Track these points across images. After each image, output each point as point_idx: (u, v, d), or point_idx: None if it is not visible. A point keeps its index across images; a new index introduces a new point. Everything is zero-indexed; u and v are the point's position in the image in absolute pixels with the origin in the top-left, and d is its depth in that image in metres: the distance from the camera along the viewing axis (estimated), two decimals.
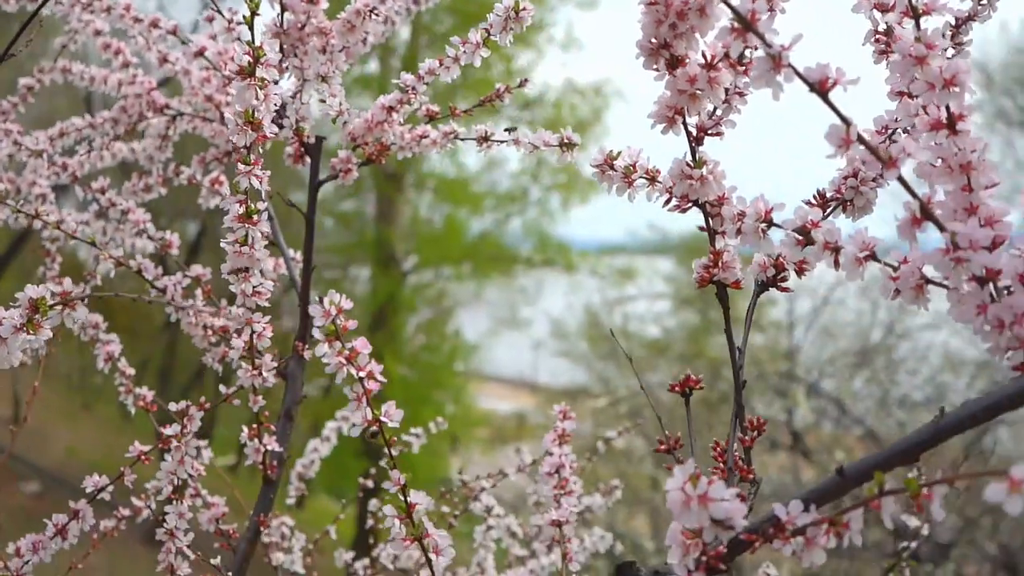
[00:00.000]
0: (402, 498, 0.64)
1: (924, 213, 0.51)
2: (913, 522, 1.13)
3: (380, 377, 0.63)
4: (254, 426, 0.95)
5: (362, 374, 0.62)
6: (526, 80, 0.99)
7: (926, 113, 0.56)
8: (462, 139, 0.97)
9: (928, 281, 0.54)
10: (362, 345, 0.62)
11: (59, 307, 0.66)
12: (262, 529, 0.98)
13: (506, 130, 0.96)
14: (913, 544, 1.09)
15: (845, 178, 0.68)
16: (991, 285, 0.52)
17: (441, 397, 10.93)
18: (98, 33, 1.19)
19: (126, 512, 1.14)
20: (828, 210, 0.68)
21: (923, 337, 7.45)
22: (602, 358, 9.48)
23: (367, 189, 11.70)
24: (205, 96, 1.13)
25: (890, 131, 0.68)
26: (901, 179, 0.51)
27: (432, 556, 0.64)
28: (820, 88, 0.50)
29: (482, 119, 1.01)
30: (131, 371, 1.09)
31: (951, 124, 0.53)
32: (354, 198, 11.82)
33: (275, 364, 0.90)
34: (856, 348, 7.14)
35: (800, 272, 0.67)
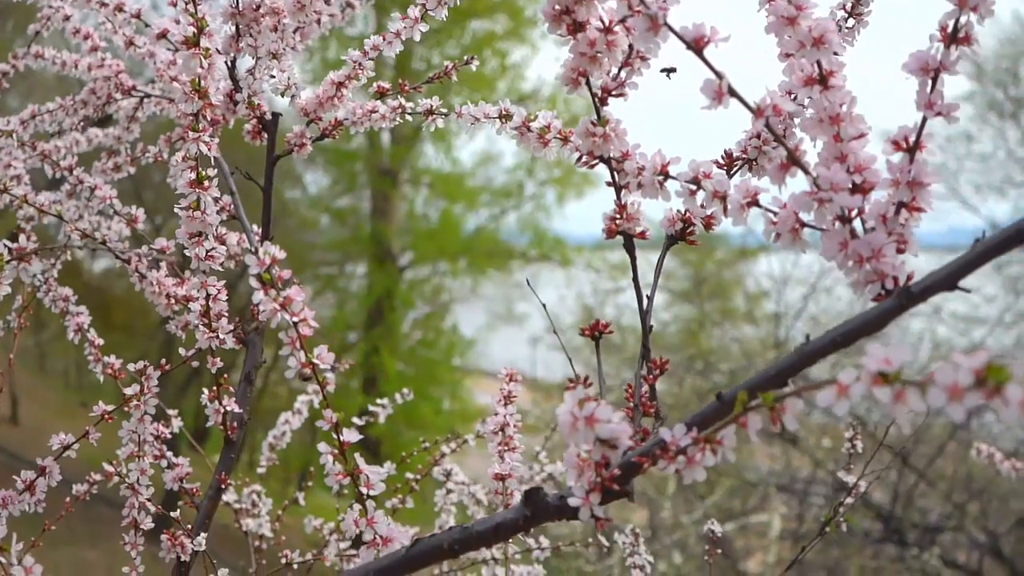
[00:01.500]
0: (335, 436, 0.69)
1: (791, 159, 0.56)
2: (849, 479, 1.17)
3: (313, 323, 0.67)
4: (214, 388, 1.00)
5: (296, 319, 0.66)
6: (473, 58, 1.04)
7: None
8: (410, 113, 1.02)
9: (804, 224, 0.59)
10: (295, 292, 0.67)
11: (14, 262, 0.70)
12: (223, 487, 1.03)
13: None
14: (849, 500, 1.14)
15: (750, 138, 0.73)
16: (857, 223, 0.57)
17: (438, 393, 10.98)
18: (67, 18, 1.23)
19: (97, 477, 1.18)
20: (734, 168, 0.73)
21: (913, 325, 7.52)
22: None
23: (362, 186, 11.76)
24: (170, 77, 1.17)
25: (792, 95, 0.73)
26: (768, 127, 0.56)
27: (364, 490, 0.69)
28: (696, 46, 0.55)
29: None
30: (100, 341, 1.14)
31: (822, 80, 0.58)
32: (350, 195, 11.88)
33: (232, 327, 0.95)
34: None
35: (708, 227, 0.72)
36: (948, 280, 0.51)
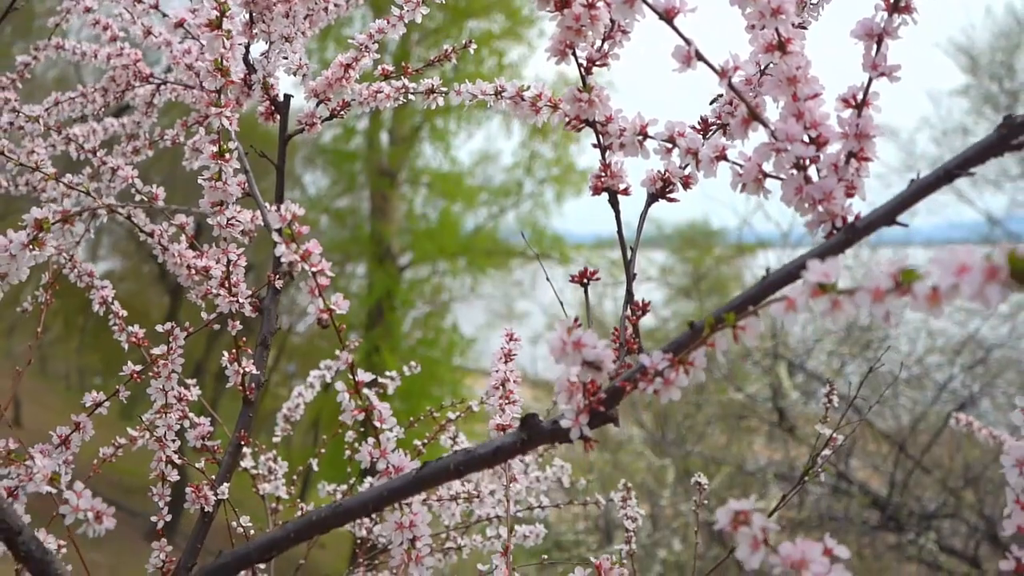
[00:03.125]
0: (351, 376, 0.77)
1: (752, 115, 0.64)
2: (825, 431, 1.25)
3: (329, 272, 0.75)
4: (234, 351, 1.07)
5: (315, 269, 0.74)
6: (471, 42, 1.12)
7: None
8: (413, 93, 1.09)
9: (766, 174, 0.66)
10: (314, 246, 0.75)
11: (59, 224, 0.78)
12: (242, 444, 1.10)
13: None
14: (827, 452, 1.21)
15: (723, 105, 0.80)
16: (812, 172, 0.64)
17: (439, 392, 11.05)
18: (88, 11, 1.31)
19: (122, 440, 1.26)
20: (709, 132, 0.80)
21: (912, 319, 7.62)
22: None
23: (361, 186, 11.85)
24: (186, 65, 1.25)
25: (758, 62, 0.80)
26: (731, 86, 0.64)
27: (377, 424, 0.77)
28: (667, 15, 0.63)
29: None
30: (124, 313, 1.21)
31: (781, 46, 0.66)
32: (349, 195, 11.96)
33: (250, 293, 1.03)
34: (842, 328, 7.29)
35: (686, 186, 0.79)
36: (888, 216, 0.59)
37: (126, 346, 1.20)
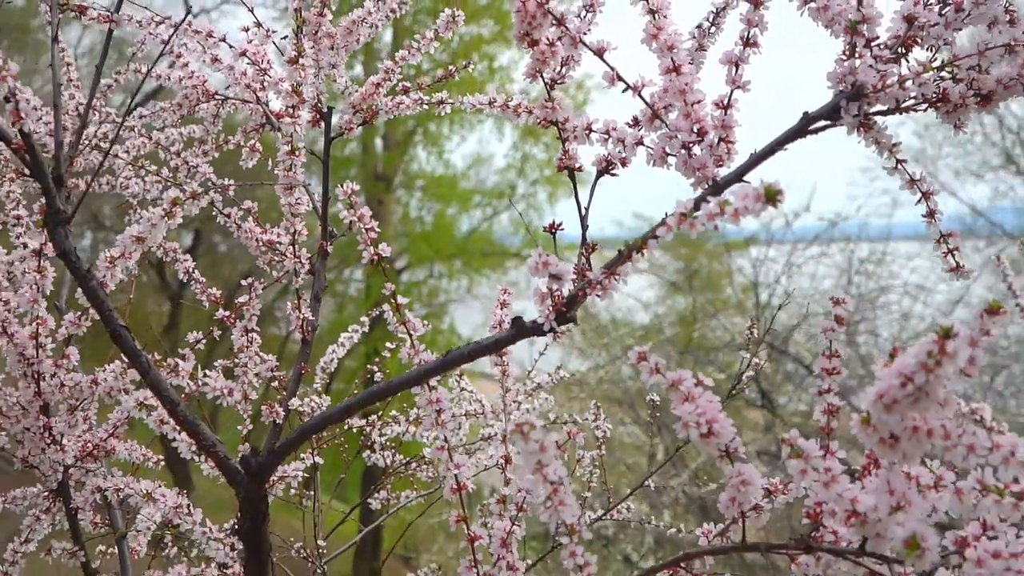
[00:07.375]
0: (394, 300, 1.11)
1: (654, 115, 0.99)
2: (753, 361, 1.58)
3: (376, 228, 1.09)
4: (295, 301, 1.42)
5: (367, 226, 1.09)
6: (470, 62, 1.47)
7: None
8: (427, 104, 1.44)
9: (667, 153, 1.01)
10: (367, 211, 1.09)
11: (190, 200, 1.12)
12: (303, 372, 1.44)
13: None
14: (750, 373, 1.55)
15: (644, 108, 1.15)
16: (696, 150, 0.99)
17: None
18: (164, 42, 1.65)
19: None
20: (639, 126, 1.15)
21: (894, 305, 8.00)
22: (595, 346, 10.01)
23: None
24: (244, 85, 1.59)
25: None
26: (640, 96, 0.99)
27: (411, 332, 1.11)
28: (598, 52, 0.97)
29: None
30: (203, 279, 1.56)
31: (676, 69, 1.01)
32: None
33: (310, 255, 1.37)
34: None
35: (624, 164, 1.14)
36: (737, 176, 0.94)
37: (207, 304, 1.54)
